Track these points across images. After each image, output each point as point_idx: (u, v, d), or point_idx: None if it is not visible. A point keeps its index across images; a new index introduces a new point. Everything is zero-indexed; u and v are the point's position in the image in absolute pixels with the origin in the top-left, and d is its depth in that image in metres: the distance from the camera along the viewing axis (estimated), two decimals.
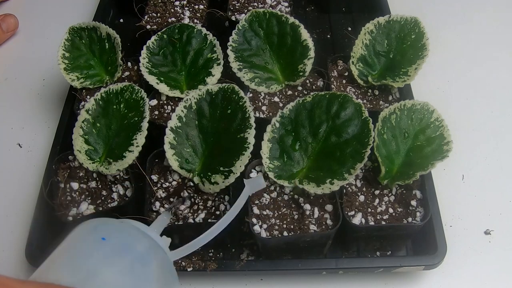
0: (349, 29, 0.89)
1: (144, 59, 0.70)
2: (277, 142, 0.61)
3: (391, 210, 0.59)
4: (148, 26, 0.79)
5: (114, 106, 0.66)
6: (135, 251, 0.44)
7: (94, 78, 0.73)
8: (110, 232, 0.44)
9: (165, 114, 0.69)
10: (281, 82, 0.70)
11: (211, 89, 0.63)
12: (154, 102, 0.70)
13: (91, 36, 0.75)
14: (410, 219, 0.58)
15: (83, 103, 0.71)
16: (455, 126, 0.62)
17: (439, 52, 0.74)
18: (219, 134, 0.62)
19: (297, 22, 0.70)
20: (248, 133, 0.59)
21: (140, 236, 0.46)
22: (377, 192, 0.60)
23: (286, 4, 0.80)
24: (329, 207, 0.59)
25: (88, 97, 0.72)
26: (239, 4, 0.81)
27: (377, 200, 0.60)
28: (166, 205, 0.60)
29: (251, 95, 0.69)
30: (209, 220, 0.58)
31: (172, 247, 0.64)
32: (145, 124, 0.62)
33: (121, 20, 0.94)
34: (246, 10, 0.79)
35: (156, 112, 0.69)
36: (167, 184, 0.62)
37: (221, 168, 0.59)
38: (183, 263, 0.59)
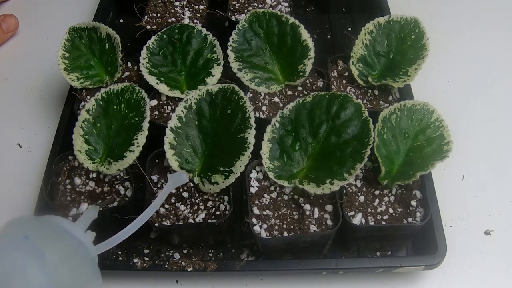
0: (349, 29, 0.89)
1: (144, 59, 0.70)
2: (277, 142, 0.61)
3: (391, 210, 0.59)
4: (148, 26, 0.79)
5: (115, 106, 0.66)
6: (55, 250, 0.44)
7: (94, 78, 0.73)
8: (33, 230, 0.45)
9: (165, 114, 0.69)
10: (281, 82, 0.70)
11: (211, 89, 0.63)
12: (154, 102, 0.70)
13: (91, 36, 0.75)
14: (410, 219, 0.58)
15: (83, 103, 0.71)
16: (455, 126, 0.62)
17: (439, 52, 0.74)
18: (219, 134, 0.62)
19: (297, 22, 0.70)
20: (248, 133, 0.59)
21: (62, 233, 0.46)
22: (377, 192, 0.60)
23: (286, 4, 0.80)
24: (329, 207, 0.59)
25: (88, 97, 0.72)
26: (239, 4, 0.81)
27: (377, 200, 0.60)
28: (166, 206, 0.60)
29: (251, 95, 0.69)
30: (209, 221, 0.58)
31: (173, 247, 0.64)
32: (146, 124, 0.62)
33: (121, 20, 0.94)
34: (246, 10, 0.79)
35: (156, 112, 0.69)
36: None
37: (221, 168, 0.59)
38: (183, 263, 0.59)
